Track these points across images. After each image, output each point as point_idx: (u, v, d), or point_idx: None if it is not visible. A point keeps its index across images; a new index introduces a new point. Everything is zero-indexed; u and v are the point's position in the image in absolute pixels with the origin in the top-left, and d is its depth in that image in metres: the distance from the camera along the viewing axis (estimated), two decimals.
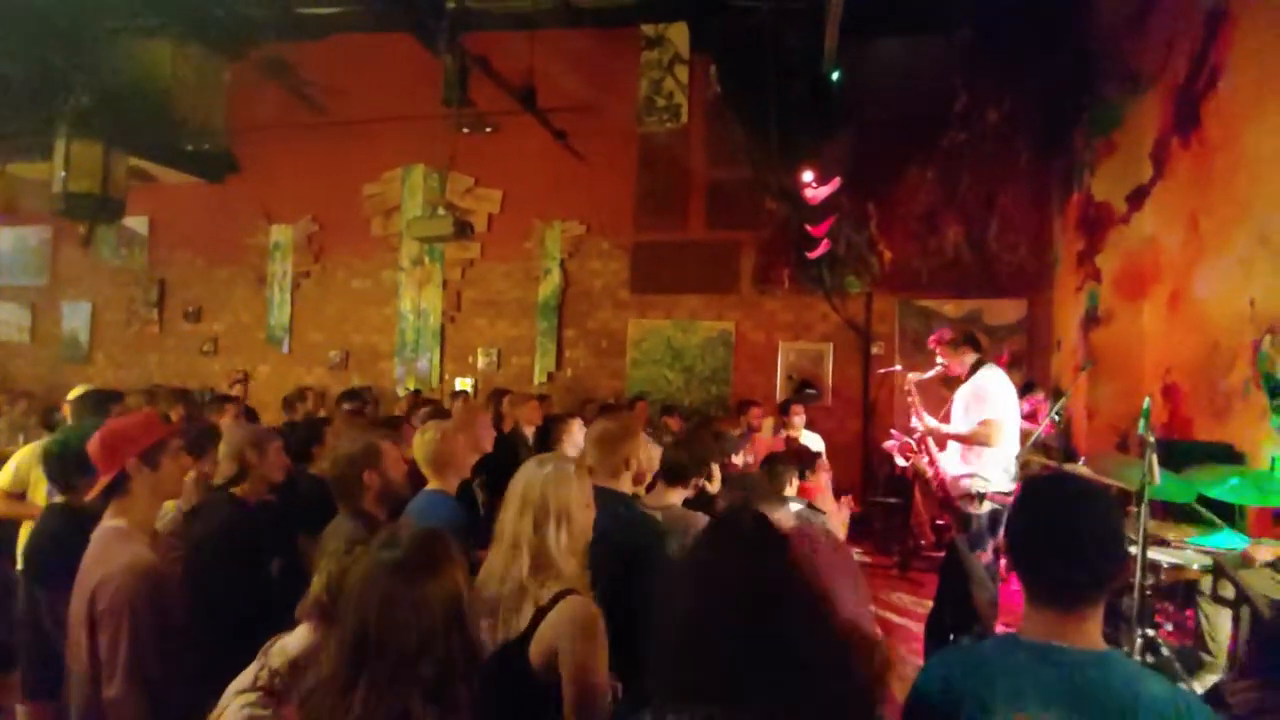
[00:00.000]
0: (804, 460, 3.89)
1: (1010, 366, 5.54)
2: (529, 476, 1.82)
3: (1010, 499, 3.74)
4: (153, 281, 9.21)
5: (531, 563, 1.70)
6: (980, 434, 3.84)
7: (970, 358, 4.02)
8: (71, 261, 9.50)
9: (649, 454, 2.62)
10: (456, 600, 1.32)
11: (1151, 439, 2.90)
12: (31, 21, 6.22)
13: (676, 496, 2.63)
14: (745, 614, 1.14)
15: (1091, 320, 5.53)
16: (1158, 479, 2.85)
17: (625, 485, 2.37)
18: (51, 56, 6.44)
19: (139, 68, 7.71)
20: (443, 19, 5.10)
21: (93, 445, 1.91)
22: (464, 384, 8.16)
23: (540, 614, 1.65)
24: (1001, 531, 3.72)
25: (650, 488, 2.71)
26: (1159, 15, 4.82)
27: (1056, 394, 5.61)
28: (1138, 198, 5.03)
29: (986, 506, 3.78)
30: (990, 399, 3.86)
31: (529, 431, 5.09)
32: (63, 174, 4.88)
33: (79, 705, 1.79)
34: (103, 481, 1.89)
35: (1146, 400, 3.08)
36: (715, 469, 2.72)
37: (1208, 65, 4.06)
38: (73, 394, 3.78)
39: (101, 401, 3.36)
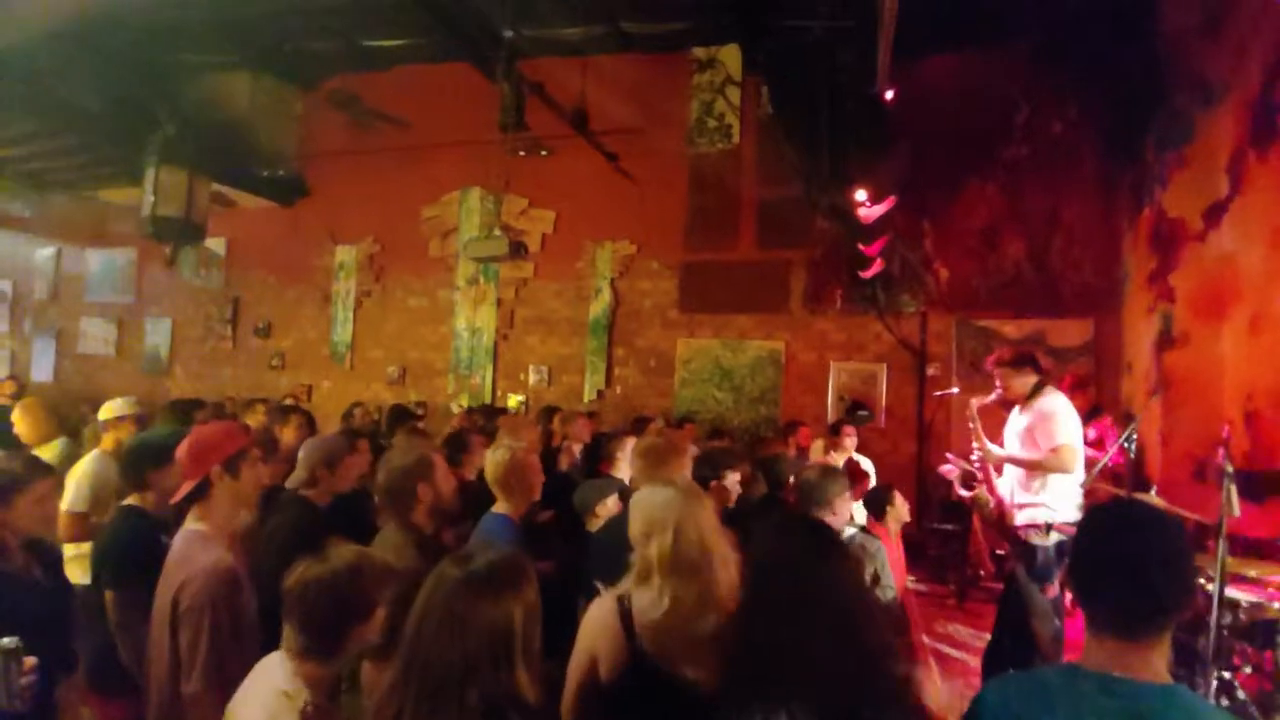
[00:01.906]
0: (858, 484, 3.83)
1: (1074, 389, 5.30)
2: (670, 505, 1.78)
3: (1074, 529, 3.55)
4: (228, 300, 9.73)
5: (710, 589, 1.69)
6: (1054, 461, 3.60)
7: (1031, 380, 3.83)
8: (155, 281, 10.12)
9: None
10: (509, 630, 1.28)
11: (1230, 469, 2.75)
12: (120, 60, 6.72)
13: None
14: (797, 611, 1.17)
15: (1165, 342, 5.27)
16: (1237, 511, 2.70)
17: None
18: (139, 92, 6.94)
19: (219, 100, 8.23)
20: (500, 48, 5.28)
21: (181, 451, 2.02)
22: (514, 400, 8.31)
23: None
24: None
25: None
26: (1230, 25, 4.62)
27: (1127, 419, 5.35)
28: (1214, 214, 4.79)
29: (1054, 537, 3.57)
30: (1059, 423, 3.63)
31: (577, 448, 5.14)
32: (151, 199, 5.22)
33: (158, 700, 1.89)
34: (186, 486, 1.99)
35: (1226, 428, 2.93)
36: (728, 474, 2.70)
37: None
38: (103, 412, 3.77)
39: (186, 410, 3.52)
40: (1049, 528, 3.56)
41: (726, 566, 1.73)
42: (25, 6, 5.27)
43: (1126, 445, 4.11)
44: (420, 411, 6.76)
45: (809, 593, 1.24)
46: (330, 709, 1.56)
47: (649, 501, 1.83)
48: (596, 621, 1.77)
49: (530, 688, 1.29)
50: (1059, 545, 3.57)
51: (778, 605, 1.26)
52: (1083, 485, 3.66)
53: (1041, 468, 3.67)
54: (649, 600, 1.73)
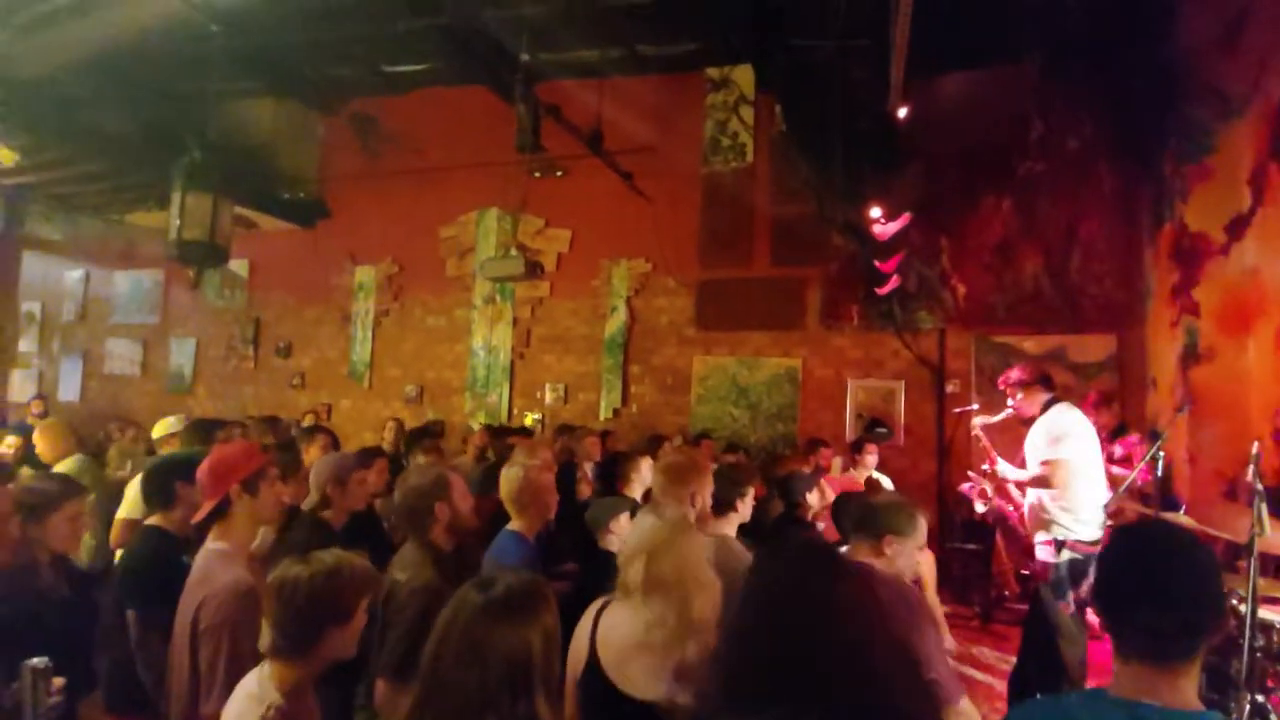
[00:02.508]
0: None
1: (1098, 406, 5.22)
2: (663, 540, 1.83)
3: (1094, 549, 3.49)
4: (250, 320, 9.88)
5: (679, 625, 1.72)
6: (1041, 476, 3.61)
7: (1043, 398, 3.81)
8: (180, 302, 10.32)
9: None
10: (527, 657, 1.25)
11: (1260, 486, 2.69)
12: (147, 89, 6.93)
13: (729, 526, 2.63)
14: (788, 630, 1.15)
15: (1191, 357, 5.18)
16: (1267, 530, 2.63)
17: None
18: (165, 118, 7.14)
19: (243, 125, 8.45)
20: (517, 72, 5.37)
21: (201, 472, 2.05)
22: (531, 419, 8.33)
23: None
24: (1085, 583, 3.48)
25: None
26: (1248, 37, 4.58)
27: (1153, 436, 5.26)
28: (1237, 227, 4.73)
29: (1066, 555, 3.54)
30: (1056, 438, 3.63)
31: (588, 466, 5.12)
32: (177, 223, 5.34)
33: (178, 719, 1.89)
34: (207, 506, 2.02)
35: (1255, 445, 2.86)
36: (748, 491, 2.68)
37: None
38: (156, 430, 3.93)
39: (208, 430, 3.58)
40: (1060, 545, 3.54)
41: (704, 594, 1.75)
42: (57, 38, 5.45)
43: (1153, 463, 4.05)
44: (437, 429, 6.80)
45: (816, 615, 1.21)
46: (305, 714, 1.54)
47: (637, 526, 1.92)
48: (581, 623, 1.89)
49: (551, 715, 1.27)
50: (1071, 564, 3.54)
51: (778, 626, 1.23)
52: (1107, 506, 3.60)
53: (1030, 484, 3.71)
54: (621, 617, 1.80)
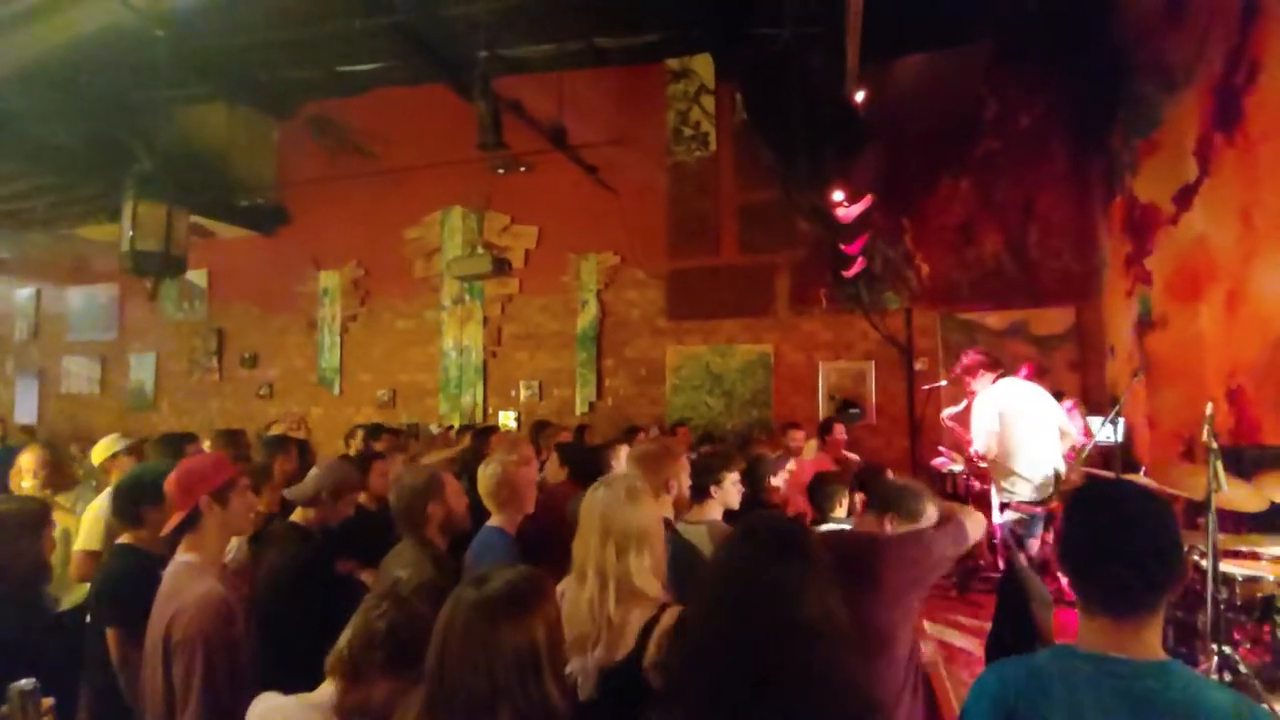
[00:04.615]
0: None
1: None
2: (604, 503, 1.78)
3: (1036, 509, 3.78)
4: (212, 331, 9.66)
5: (617, 594, 1.68)
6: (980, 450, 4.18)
7: (991, 377, 4.14)
8: (138, 316, 10.04)
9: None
10: (534, 649, 1.26)
11: (1215, 445, 2.80)
12: (94, 97, 6.70)
13: (715, 511, 2.66)
14: (742, 618, 1.17)
15: (1145, 325, 5.35)
16: (1224, 487, 2.74)
17: (665, 508, 2.38)
18: (114, 127, 6.92)
19: (195, 132, 8.22)
20: (475, 68, 5.31)
21: (169, 484, 2.01)
22: (506, 418, 8.29)
23: (647, 630, 1.65)
24: (1033, 544, 3.79)
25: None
26: (1190, 13, 4.73)
27: (1113, 402, 5.43)
28: (1185, 197, 4.89)
29: (1010, 516, 3.83)
30: (976, 414, 4.20)
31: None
32: (130, 234, 5.19)
33: None
34: (176, 518, 1.98)
35: (1209, 405, 2.98)
36: (726, 476, 2.71)
37: (1246, 60, 3.97)
38: (97, 455, 3.82)
39: (177, 443, 3.50)
40: (1004, 507, 3.84)
41: (632, 574, 1.70)
42: None
43: (1112, 425, 4.29)
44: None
45: (759, 597, 1.23)
46: None
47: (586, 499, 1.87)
48: None
49: (561, 699, 1.28)
50: (1016, 524, 4.01)
51: (722, 608, 1.25)
52: (1069, 473, 3.83)
53: (985, 456, 4.25)
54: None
